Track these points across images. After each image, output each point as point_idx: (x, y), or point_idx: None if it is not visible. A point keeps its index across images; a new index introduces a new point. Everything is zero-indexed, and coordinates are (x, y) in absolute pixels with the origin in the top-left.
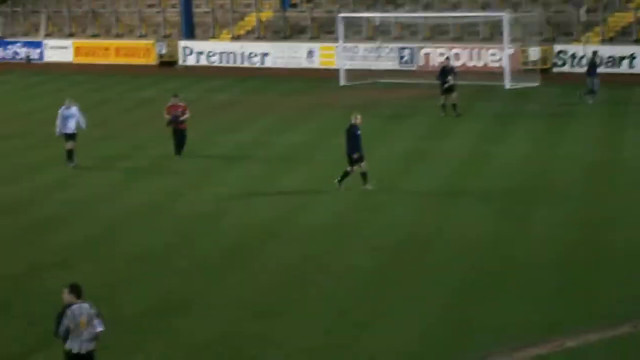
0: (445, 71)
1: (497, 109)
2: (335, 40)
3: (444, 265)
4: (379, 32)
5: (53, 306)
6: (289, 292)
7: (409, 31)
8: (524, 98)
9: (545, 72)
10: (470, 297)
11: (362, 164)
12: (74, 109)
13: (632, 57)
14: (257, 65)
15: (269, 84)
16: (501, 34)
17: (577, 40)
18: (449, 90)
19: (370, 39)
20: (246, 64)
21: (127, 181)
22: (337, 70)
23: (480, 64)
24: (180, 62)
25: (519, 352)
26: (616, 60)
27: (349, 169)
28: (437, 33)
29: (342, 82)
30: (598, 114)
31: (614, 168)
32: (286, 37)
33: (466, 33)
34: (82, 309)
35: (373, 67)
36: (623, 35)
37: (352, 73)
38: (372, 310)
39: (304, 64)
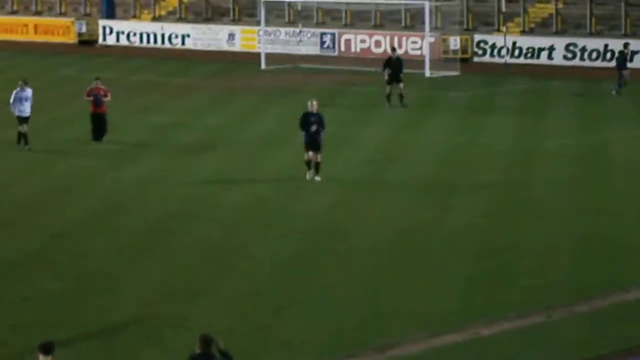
0: (390, 62)
1: (417, 97)
2: (257, 23)
3: (361, 253)
4: (301, 16)
5: None
6: (206, 273)
7: (330, 17)
8: (444, 87)
9: (465, 61)
10: (387, 285)
11: (318, 154)
12: (29, 91)
13: (552, 48)
14: (178, 46)
15: (189, 66)
16: (422, 22)
17: (498, 31)
18: (396, 80)
19: (292, 23)
20: (167, 45)
21: (42, 161)
22: (258, 54)
23: (401, 51)
24: (100, 41)
25: (434, 339)
26: (535, 52)
27: (306, 157)
28: (359, 19)
29: (263, 66)
30: (517, 104)
31: (532, 157)
32: (207, 20)
33: (387, 20)
34: None
35: (294, 52)
36: (543, 27)
37: (273, 57)
38: (288, 295)
39: (225, 46)
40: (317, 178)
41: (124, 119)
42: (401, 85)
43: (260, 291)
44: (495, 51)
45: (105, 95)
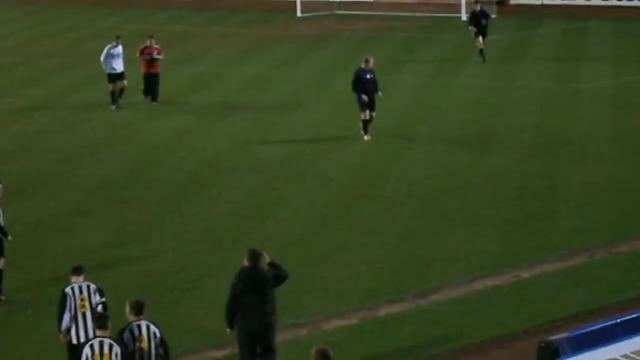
0: (475, 15)
1: (455, 40)
2: None
3: (399, 199)
4: None
5: None
6: (245, 223)
7: None
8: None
9: (501, 3)
10: (425, 230)
11: (373, 112)
12: (120, 48)
13: None
14: None
15: (226, 15)
16: None
17: None
18: (483, 34)
19: None
20: None
21: (84, 113)
22: (294, 2)
23: None
24: None
25: (475, 283)
26: None
27: (362, 116)
28: None
29: (299, 13)
30: (554, 47)
31: (569, 99)
32: None
33: None
34: None
35: None
36: None
37: (309, 4)
38: (328, 242)
39: None
40: (366, 137)
41: (162, 70)
42: (481, 40)
43: (300, 239)
44: None
45: (159, 54)
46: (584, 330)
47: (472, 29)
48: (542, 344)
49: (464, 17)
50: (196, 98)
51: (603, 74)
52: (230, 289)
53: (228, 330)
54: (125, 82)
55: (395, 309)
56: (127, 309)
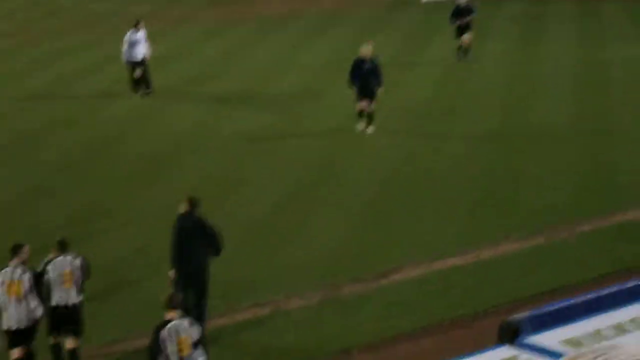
0: (458, 10)
1: (416, 21)
2: None
3: (362, 181)
4: None
5: None
6: (210, 201)
7: None
8: (441, 11)
9: None
10: (389, 211)
11: (372, 103)
12: (142, 33)
13: None
14: None
15: None
16: None
17: None
18: (465, 30)
19: None
20: None
21: (52, 87)
22: None
23: None
24: None
25: (436, 263)
26: None
27: (358, 107)
28: None
29: None
30: (515, 28)
31: (532, 81)
32: None
33: None
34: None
35: None
36: None
37: None
38: (291, 222)
39: None
40: (370, 129)
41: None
42: (466, 36)
43: (263, 218)
44: None
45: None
46: (545, 310)
47: (455, 23)
48: (503, 324)
49: None
50: (161, 77)
51: (566, 54)
52: (172, 235)
53: (170, 272)
54: (139, 70)
55: (357, 288)
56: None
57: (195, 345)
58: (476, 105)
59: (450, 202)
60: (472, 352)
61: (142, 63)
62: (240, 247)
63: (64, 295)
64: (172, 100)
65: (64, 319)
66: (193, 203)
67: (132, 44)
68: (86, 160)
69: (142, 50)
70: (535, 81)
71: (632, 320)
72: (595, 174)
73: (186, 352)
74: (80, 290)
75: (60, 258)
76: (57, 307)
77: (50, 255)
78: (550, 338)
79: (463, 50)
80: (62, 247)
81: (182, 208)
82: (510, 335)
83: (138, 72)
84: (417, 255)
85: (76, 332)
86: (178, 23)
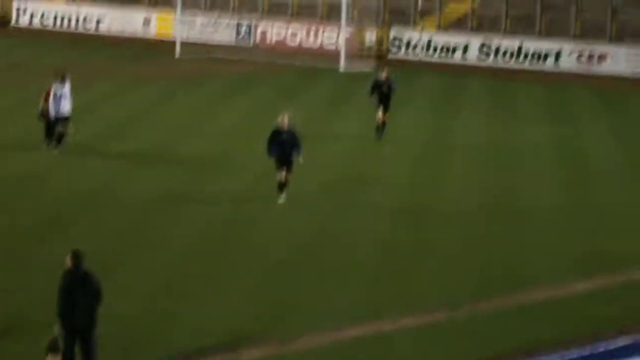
0: (378, 84)
1: (331, 90)
2: (173, 9)
3: (270, 245)
4: (218, 4)
5: None
6: (109, 260)
7: (247, 7)
8: (359, 80)
9: (380, 57)
10: (291, 277)
11: (289, 174)
12: (67, 87)
13: (466, 46)
14: (92, 30)
15: (103, 50)
16: (339, 15)
17: (414, 27)
18: (385, 106)
19: (209, 10)
20: (80, 29)
21: None
22: (173, 42)
23: (316, 45)
24: (14, 22)
25: (337, 333)
26: (450, 49)
27: (278, 177)
28: (275, 9)
29: (178, 54)
30: (430, 101)
31: (444, 151)
32: (123, 2)
33: (305, 11)
34: None
35: (210, 41)
36: (458, 25)
37: (188, 45)
38: (195, 281)
39: (140, 32)
40: (282, 198)
41: (33, 102)
42: (380, 113)
43: (165, 282)
44: (411, 48)
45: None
46: None
47: (374, 98)
48: None
49: (342, 68)
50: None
51: (477, 130)
52: (59, 289)
53: (56, 326)
54: (64, 126)
55: (257, 354)
56: None
57: None
58: (387, 177)
59: (354, 272)
60: None
61: (68, 119)
62: (141, 308)
63: None
64: (77, 156)
65: None
66: (77, 257)
67: (59, 98)
68: None
69: (68, 105)
70: (448, 154)
71: None
72: (501, 252)
73: None
74: None
75: None
76: None
77: None
78: None
79: (382, 125)
80: None
81: (68, 263)
82: None
83: (61, 128)
84: (319, 323)
85: None
86: (92, 78)
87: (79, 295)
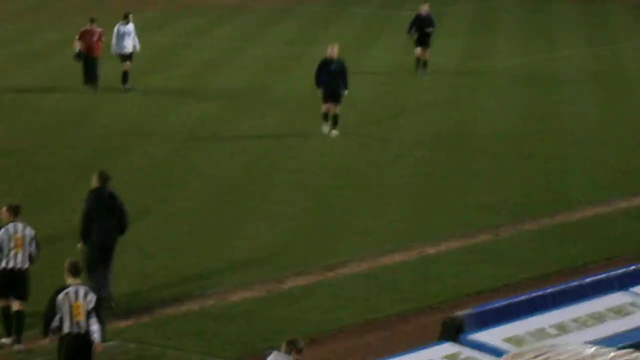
0: (419, 19)
1: (367, 15)
2: None
3: (309, 171)
4: None
5: None
6: (155, 191)
7: None
8: (393, 5)
9: None
10: (335, 203)
11: (338, 106)
12: (131, 26)
13: None
14: None
15: None
16: None
17: None
18: (424, 43)
19: None
20: None
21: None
22: None
23: None
24: None
25: (382, 258)
26: None
27: (323, 108)
28: None
29: None
30: (465, 23)
31: (482, 73)
32: None
33: None
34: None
35: None
36: None
37: None
38: (237, 213)
39: None
40: (335, 132)
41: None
42: (426, 52)
43: (210, 209)
44: None
45: (101, 38)
46: (488, 307)
47: (413, 35)
48: (447, 319)
49: None
50: (107, 65)
51: (514, 52)
52: (84, 208)
53: (80, 244)
54: (128, 63)
55: (302, 281)
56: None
57: (90, 313)
58: (421, 100)
59: (397, 197)
60: (415, 348)
61: (130, 56)
62: (186, 238)
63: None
64: (118, 88)
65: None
66: (104, 178)
67: (121, 36)
68: (34, 149)
69: (131, 43)
70: (484, 77)
71: (575, 320)
72: (542, 174)
73: (80, 317)
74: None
75: (12, 224)
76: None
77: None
78: (493, 335)
79: (422, 64)
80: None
81: (94, 183)
82: (454, 331)
83: (127, 65)
84: (363, 248)
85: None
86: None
87: (103, 214)
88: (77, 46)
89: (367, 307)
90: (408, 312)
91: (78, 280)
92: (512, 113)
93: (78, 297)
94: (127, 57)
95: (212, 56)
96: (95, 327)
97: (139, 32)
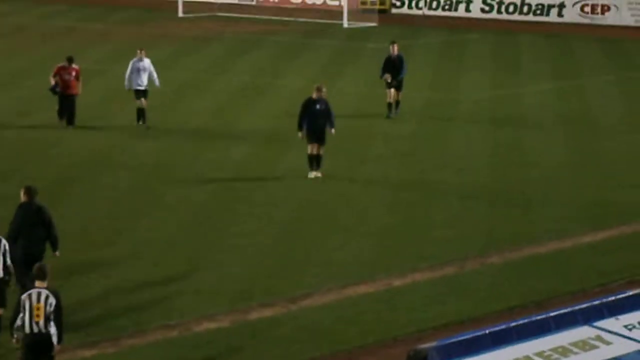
0: (391, 61)
1: (335, 47)
2: None
3: (274, 203)
4: None
5: None
6: (120, 221)
7: None
8: (362, 38)
9: (383, 12)
10: (300, 234)
11: (321, 148)
12: (147, 62)
13: (469, 1)
14: None
15: (106, 12)
16: None
17: None
18: (397, 87)
19: None
20: None
21: None
22: (175, 1)
23: (320, 1)
24: None
25: (346, 289)
26: (453, 4)
27: (308, 150)
28: None
29: (181, 13)
30: (434, 56)
31: (449, 107)
32: None
33: None
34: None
35: None
36: None
37: (190, 5)
38: (202, 243)
39: None
40: (318, 174)
41: (39, 65)
42: (392, 91)
43: (174, 240)
44: (413, 3)
45: (77, 76)
46: (453, 340)
47: (386, 77)
48: (411, 352)
49: (345, 24)
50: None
51: (481, 86)
52: (12, 222)
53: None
54: (144, 100)
55: (267, 312)
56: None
57: (49, 316)
58: (392, 131)
59: (363, 230)
60: None
61: (145, 92)
62: (151, 268)
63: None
64: (84, 118)
65: None
66: (31, 192)
67: (137, 72)
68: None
69: (146, 79)
70: (454, 109)
71: (538, 354)
72: (507, 208)
73: (39, 319)
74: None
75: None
76: None
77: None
78: None
79: (395, 105)
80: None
81: (22, 197)
82: None
83: (143, 102)
84: (329, 281)
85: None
86: (94, 40)
87: (31, 226)
88: (52, 82)
89: (332, 339)
90: (373, 344)
91: (44, 284)
92: (478, 145)
93: (40, 299)
94: (141, 94)
95: (180, 85)
96: (53, 330)
97: (106, 64)
